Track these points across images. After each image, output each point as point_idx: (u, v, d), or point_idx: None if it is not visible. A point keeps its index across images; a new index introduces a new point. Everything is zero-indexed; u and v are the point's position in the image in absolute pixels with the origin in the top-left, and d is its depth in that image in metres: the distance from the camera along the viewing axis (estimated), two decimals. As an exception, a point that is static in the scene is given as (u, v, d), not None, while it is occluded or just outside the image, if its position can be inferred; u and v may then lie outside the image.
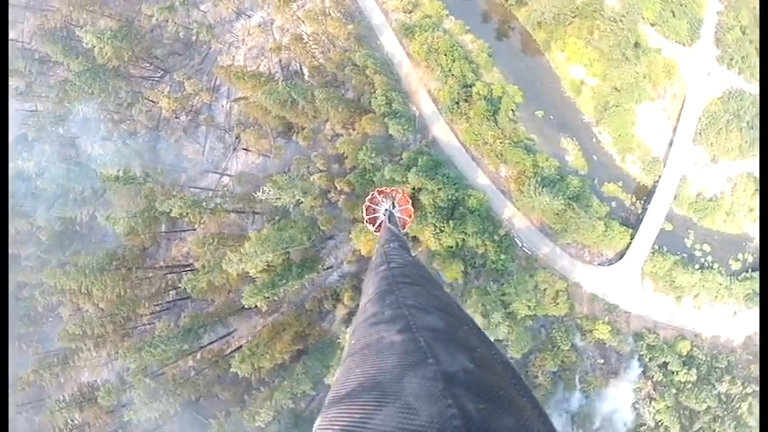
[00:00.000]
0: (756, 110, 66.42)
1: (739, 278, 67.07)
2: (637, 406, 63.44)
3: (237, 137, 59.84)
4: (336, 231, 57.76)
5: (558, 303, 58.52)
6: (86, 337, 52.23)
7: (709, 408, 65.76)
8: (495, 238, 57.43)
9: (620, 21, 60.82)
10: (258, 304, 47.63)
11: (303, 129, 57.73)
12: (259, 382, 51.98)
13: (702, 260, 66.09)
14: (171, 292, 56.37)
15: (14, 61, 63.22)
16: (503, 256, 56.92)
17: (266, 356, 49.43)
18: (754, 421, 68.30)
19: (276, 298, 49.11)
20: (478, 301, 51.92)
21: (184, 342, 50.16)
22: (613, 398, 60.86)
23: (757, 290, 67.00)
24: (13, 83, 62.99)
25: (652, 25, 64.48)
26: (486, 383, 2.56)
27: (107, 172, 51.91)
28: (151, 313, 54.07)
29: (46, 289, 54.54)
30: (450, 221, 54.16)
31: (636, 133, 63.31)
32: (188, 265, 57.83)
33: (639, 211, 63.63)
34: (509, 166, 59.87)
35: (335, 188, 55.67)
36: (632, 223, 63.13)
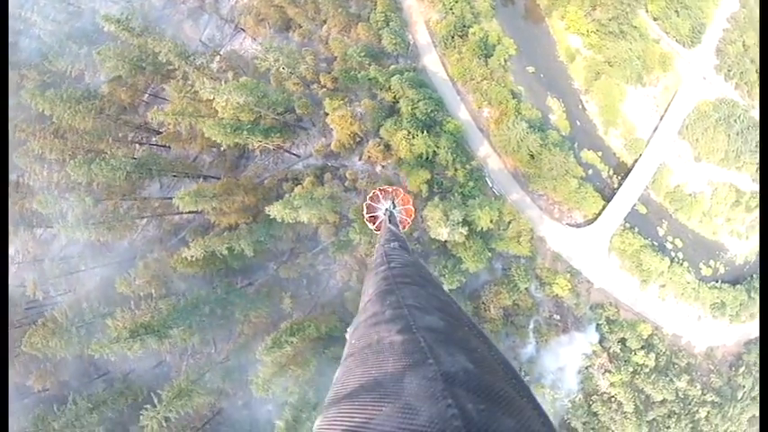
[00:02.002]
0: (747, 122, 67.39)
1: (708, 285, 65.62)
2: (591, 371, 60.27)
3: (237, 24, 62.16)
4: (310, 124, 58.55)
5: (520, 242, 57.29)
6: (43, 159, 52.62)
7: (665, 400, 63.57)
8: (467, 167, 57.40)
9: (624, -3, 63.65)
10: (218, 138, 47.70)
11: (301, 26, 60.09)
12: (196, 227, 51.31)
13: (673, 254, 65.07)
14: (136, 145, 56.72)
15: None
16: (471, 184, 56.62)
17: (211, 202, 48.89)
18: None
19: (238, 141, 48.98)
20: (439, 204, 51.09)
21: (138, 172, 50.00)
22: (565, 356, 57.97)
23: (726, 302, 65.87)
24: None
25: (654, 19, 67.09)
26: (487, 384, 2.59)
27: (108, 15, 54.00)
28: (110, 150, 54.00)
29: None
30: (425, 132, 54.68)
31: (622, 110, 64.41)
32: (160, 132, 58.63)
33: (615, 186, 63.48)
34: (492, 108, 60.92)
35: (319, 82, 57.05)
36: (606, 196, 62.73)
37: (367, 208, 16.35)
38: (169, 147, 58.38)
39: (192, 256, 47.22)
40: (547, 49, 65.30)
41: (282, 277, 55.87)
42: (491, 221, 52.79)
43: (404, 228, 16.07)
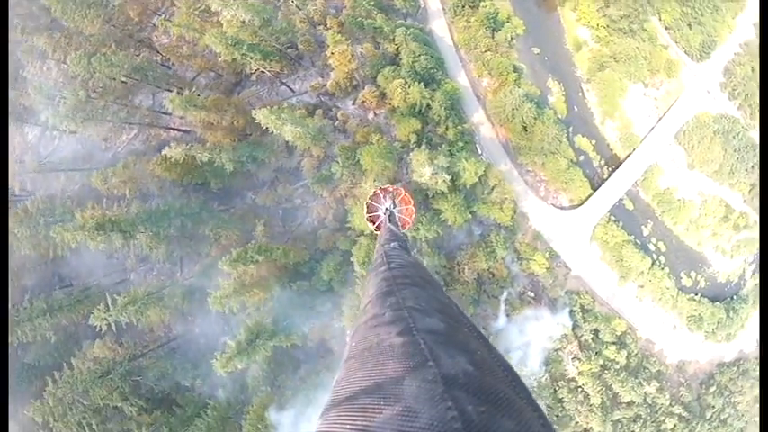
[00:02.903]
0: (746, 142, 67.49)
1: (687, 296, 64.84)
2: (561, 354, 59.06)
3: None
4: (309, 63, 59.15)
5: (502, 210, 56.91)
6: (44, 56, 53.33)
7: (633, 402, 62.55)
8: (459, 128, 57.55)
9: (638, -4, 64.78)
10: (217, 48, 48.14)
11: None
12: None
13: (655, 256, 64.31)
14: (137, 56, 57.23)
15: None
16: (460, 144, 56.60)
17: (201, 112, 49.17)
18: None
19: (236, 56, 49.40)
20: (425, 151, 51.05)
21: (134, 75, 50.54)
22: (531, 332, 56.84)
23: (703, 316, 65.31)
24: None
25: (666, 28, 68.02)
26: (487, 386, 2.61)
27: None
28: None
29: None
30: (422, 84, 55.13)
31: (621, 104, 64.81)
32: (161, 54, 59.44)
33: (605, 177, 63.29)
34: (492, 78, 61.49)
35: (325, 24, 57.87)
36: (594, 184, 62.63)
37: (367, 207, 16.43)
38: (169, 66, 58.96)
39: (171, 158, 47.10)
40: (555, 35, 66.22)
41: (259, 205, 55.51)
42: (475, 175, 52.45)
43: (404, 228, 16.15)
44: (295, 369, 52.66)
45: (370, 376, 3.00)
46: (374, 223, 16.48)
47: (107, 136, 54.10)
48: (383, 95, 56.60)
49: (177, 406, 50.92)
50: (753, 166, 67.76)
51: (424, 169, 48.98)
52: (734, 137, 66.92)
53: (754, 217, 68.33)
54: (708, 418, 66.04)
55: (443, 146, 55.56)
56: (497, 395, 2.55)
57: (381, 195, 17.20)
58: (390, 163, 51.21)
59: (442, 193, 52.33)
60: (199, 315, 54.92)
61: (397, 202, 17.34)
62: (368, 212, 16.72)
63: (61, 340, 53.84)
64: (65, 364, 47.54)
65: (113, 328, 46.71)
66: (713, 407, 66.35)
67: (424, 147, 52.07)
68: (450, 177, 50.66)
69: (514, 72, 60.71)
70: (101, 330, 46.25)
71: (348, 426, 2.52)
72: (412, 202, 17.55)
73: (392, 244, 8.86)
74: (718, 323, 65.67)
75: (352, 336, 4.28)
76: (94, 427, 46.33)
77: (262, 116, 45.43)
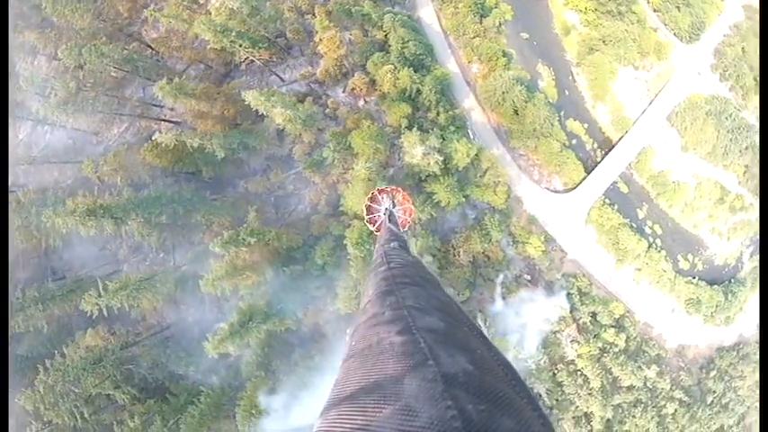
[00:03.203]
0: (738, 123, 67.37)
1: (685, 279, 64.47)
2: (559, 337, 58.57)
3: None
4: (298, 53, 59.35)
5: (496, 192, 56.77)
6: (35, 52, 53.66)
7: (633, 386, 61.81)
8: (450, 113, 57.56)
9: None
10: (206, 35, 48.36)
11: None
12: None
13: (651, 239, 64.04)
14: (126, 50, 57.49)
15: None
16: (452, 128, 56.55)
17: (191, 100, 49.29)
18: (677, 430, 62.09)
19: (225, 43, 49.56)
20: (417, 133, 50.98)
21: (124, 66, 50.82)
22: (528, 314, 56.56)
23: (702, 299, 64.77)
24: None
25: (654, 10, 68.27)
26: (486, 385, 2.62)
27: None
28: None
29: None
30: (411, 69, 55.24)
31: (612, 87, 64.94)
32: (151, 47, 59.75)
33: (598, 159, 63.18)
34: (482, 64, 61.68)
35: (314, 13, 58.11)
36: (588, 168, 62.46)
37: (367, 209, 16.57)
38: (159, 58, 59.18)
39: (161, 144, 47.11)
40: (543, 20, 66.46)
41: (251, 193, 55.42)
42: (467, 156, 52.40)
43: (404, 227, 16.24)
44: (289, 354, 52.22)
45: (369, 375, 3.02)
46: (374, 224, 16.57)
47: (98, 129, 54.32)
48: (373, 82, 56.72)
49: (171, 394, 50.59)
50: (747, 147, 67.57)
51: (415, 149, 48.96)
52: (726, 117, 66.80)
53: (750, 199, 68.13)
54: (709, 402, 65.37)
55: (435, 130, 55.52)
56: (497, 394, 2.56)
57: (380, 196, 17.31)
58: (382, 146, 51.18)
59: (435, 175, 52.26)
60: (192, 304, 54.68)
61: (396, 201, 17.40)
62: (367, 214, 16.82)
63: (54, 331, 53.59)
64: (57, 353, 47.28)
65: (105, 313, 46.63)
66: (714, 392, 65.70)
67: (415, 130, 51.90)
68: (442, 159, 50.62)
69: (504, 57, 60.88)
70: (93, 318, 46.04)
71: (348, 424, 2.54)
72: (410, 200, 17.63)
73: (392, 244, 8.88)
74: (717, 306, 65.21)
75: (351, 335, 4.32)
76: (86, 416, 46.01)
77: (251, 98, 45.52)
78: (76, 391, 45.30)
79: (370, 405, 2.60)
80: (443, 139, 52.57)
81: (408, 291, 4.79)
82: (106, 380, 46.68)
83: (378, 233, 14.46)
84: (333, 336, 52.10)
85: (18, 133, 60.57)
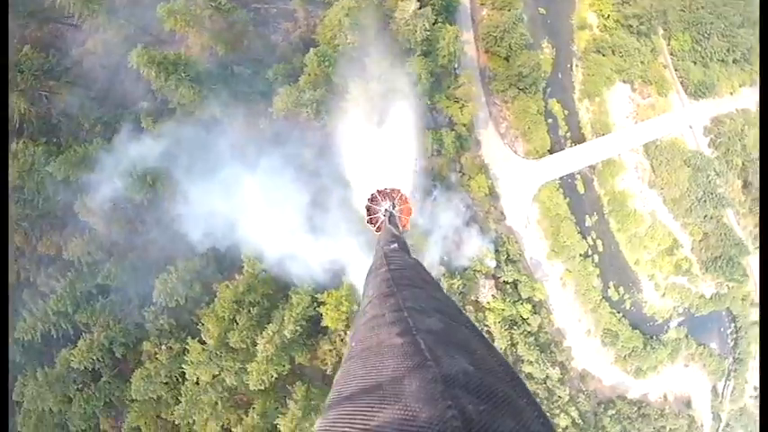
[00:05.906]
0: (712, 189, 65.86)
1: (609, 309, 60.95)
2: (477, 276, 56.00)
3: None
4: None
5: (462, 111, 55.66)
6: None
7: (533, 376, 57.65)
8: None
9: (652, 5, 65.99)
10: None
11: None
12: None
13: (590, 252, 60.99)
14: None
15: None
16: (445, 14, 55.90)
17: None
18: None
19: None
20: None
21: None
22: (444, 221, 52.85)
23: (620, 335, 62.82)
24: None
25: (671, 54, 68.69)
26: (486, 385, 2.57)
27: None
28: None
29: None
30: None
31: (604, 92, 64.77)
32: None
33: (566, 147, 61.59)
34: (492, 11, 61.43)
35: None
36: (553, 149, 61.00)
37: (367, 210, 16.48)
38: None
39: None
40: (564, 6, 67.11)
41: None
42: (451, 45, 51.72)
43: (403, 228, 16.11)
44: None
45: (369, 376, 3.00)
46: (374, 225, 15.52)
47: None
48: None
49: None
50: (710, 218, 65.57)
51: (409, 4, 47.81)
52: (703, 176, 65.20)
53: (697, 272, 65.74)
54: (601, 438, 60.35)
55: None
56: (497, 394, 2.52)
57: (379, 197, 16.38)
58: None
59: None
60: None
61: (395, 202, 16.47)
62: (368, 215, 15.76)
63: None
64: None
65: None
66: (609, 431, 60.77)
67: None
68: (428, 33, 49.81)
69: (513, 13, 60.44)
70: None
71: (348, 425, 2.51)
72: (409, 201, 16.72)
73: (392, 245, 8.52)
74: (633, 351, 62.06)
75: (351, 337, 4.31)
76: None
77: None
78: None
79: (369, 405, 2.57)
80: (436, 21, 51.38)
81: (408, 292, 4.78)
82: None
83: (378, 233, 13.97)
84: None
85: None
